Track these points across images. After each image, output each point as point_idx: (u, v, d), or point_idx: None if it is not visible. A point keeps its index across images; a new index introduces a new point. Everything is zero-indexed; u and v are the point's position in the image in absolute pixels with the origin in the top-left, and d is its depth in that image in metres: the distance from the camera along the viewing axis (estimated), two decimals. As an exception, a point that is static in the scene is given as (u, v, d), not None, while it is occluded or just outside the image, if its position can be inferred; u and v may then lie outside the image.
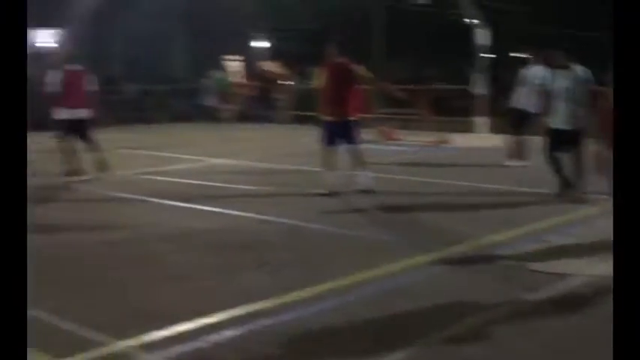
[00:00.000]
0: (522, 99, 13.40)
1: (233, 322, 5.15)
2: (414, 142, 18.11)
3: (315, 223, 8.52)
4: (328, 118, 10.67)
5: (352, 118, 10.71)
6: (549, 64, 10.93)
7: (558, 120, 9.97)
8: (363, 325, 5.20)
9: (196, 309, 5.38)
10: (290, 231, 8.26)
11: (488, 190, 10.98)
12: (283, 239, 7.86)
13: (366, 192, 10.47)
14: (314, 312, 5.42)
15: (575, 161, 9.91)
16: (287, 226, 8.44)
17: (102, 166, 12.53)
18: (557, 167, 10.08)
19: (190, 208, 9.59)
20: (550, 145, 10.09)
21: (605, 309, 5.58)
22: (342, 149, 10.78)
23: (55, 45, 23.49)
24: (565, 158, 10.01)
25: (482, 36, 21.18)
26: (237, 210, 9.28)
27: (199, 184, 11.63)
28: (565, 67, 10.00)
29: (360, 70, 10.79)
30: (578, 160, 9.82)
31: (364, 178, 10.70)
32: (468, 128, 20.25)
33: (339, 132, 10.59)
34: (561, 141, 9.87)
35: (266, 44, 31.91)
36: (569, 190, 9.96)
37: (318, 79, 10.86)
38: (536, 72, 13.02)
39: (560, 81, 10.00)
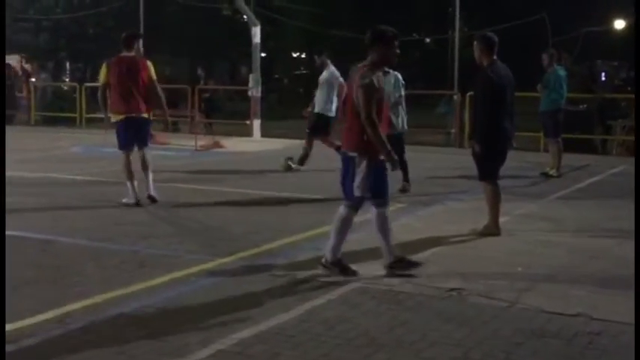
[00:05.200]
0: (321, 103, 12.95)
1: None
2: (185, 146, 16.89)
3: (72, 238, 7.69)
4: (119, 118, 9.63)
5: (144, 118, 9.74)
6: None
7: None
8: (107, 344, 4.76)
9: None
10: (40, 246, 7.37)
11: (264, 197, 10.53)
12: (29, 256, 6.98)
13: (150, 201, 9.56)
14: (59, 334, 4.90)
15: None
16: (36, 242, 7.54)
17: None
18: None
19: None
20: None
21: (380, 313, 5.40)
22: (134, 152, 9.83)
23: None
24: None
25: (256, 34, 20.02)
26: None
27: None
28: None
29: (150, 66, 9.85)
30: None
31: (150, 185, 9.70)
32: (243, 131, 19.24)
33: (132, 133, 9.65)
34: None
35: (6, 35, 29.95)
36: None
37: (104, 74, 9.71)
38: (333, 75, 12.85)
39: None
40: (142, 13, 22.83)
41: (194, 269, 6.49)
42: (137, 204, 9.47)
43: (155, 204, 9.56)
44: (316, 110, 12.97)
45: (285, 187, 11.23)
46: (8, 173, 12.06)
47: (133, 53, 9.78)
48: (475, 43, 8.06)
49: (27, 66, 26.09)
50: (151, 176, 9.81)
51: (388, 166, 6.24)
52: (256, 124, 19.46)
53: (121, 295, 5.74)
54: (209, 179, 12.20)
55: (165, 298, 5.72)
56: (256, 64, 19.97)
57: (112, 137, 9.98)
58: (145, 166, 9.78)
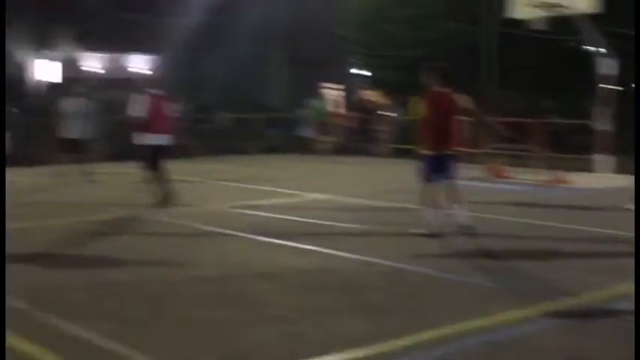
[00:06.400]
0: None
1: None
2: (527, 180, 16.42)
3: (417, 266, 8.02)
4: (428, 152, 9.84)
5: (453, 152, 9.89)
6: None
7: None
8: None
9: (290, 354, 5.21)
10: (391, 273, 7.82)
11: (607, 237, 10.00)
12: (383, 282, 7.41)
13: (465, 232, 9.65)
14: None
15: None
16: (388, 268, 7.99)
17: (167, 198, 12.13)
18: None
19: (284, 245, 9.20)
20: None
21: None
22: (441, 185, 9.96)
23: (149, 71, 23.53)
24: None
25: (606, 65, 18.92)
26: (335, 249, 8.88)
27: (294, 220, 11.14)
28: None
29: (464, 100, 9.95)
30: None
31: (462, 216, 9.80)
32: (587, 167, 18.24)
33: (439, 166, 9.80)
34: None
35: (366, 72, 30.40)
36: None
37: (417, 109, 10.04)
38: None
39: None
40: (487, 48, 22.99)
41: (538, 307, 6.44)
42: (431, 235, 9.63)
43: (482, 236, 9.67)
44: None
45: (626, 226, 10.36)
46: (361, 202, 13.18)
47: (443, 88, 9.89)
48: None
49: (385, 101, 27.47)
50: (460, 208, 9.89)
51: None
52: (602, 159, 18.69)
53: (466, 328, 5.87)
54: (545, 215, 11.97)
55: (509, 335, 5.75)
56: (601, 97, 19.30)
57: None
58: (452, 198, 9.95)
